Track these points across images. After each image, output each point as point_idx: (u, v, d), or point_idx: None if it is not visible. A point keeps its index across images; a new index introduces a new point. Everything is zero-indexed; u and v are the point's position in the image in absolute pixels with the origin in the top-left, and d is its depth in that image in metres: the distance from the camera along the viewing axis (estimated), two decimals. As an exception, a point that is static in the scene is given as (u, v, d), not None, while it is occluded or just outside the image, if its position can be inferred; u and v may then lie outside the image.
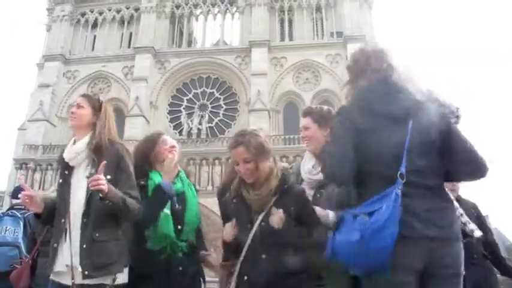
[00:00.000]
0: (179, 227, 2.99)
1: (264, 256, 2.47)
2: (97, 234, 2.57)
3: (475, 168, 2.17)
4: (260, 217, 2.56)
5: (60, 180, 2.77)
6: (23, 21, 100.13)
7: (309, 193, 2.92)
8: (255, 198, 2.61)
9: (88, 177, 2.59)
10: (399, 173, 2.04)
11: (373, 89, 2.26)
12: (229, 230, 2.62)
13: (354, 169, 2.14)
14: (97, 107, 2.86)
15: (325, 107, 3.24)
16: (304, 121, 3.15)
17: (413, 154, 2.09)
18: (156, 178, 3.04)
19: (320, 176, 2.86)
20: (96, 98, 2.93)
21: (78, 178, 2.74)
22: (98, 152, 2.72)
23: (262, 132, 2.78)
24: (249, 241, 2.51)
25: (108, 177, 2.57)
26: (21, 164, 30.23)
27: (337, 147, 2.19)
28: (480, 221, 4.42)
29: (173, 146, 3.20)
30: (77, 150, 2.77)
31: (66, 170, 2.78)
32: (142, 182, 2.97)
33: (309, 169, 3.07)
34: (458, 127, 2.22)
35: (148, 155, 3.15)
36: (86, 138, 2.78)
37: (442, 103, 2.22)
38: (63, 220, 2.65)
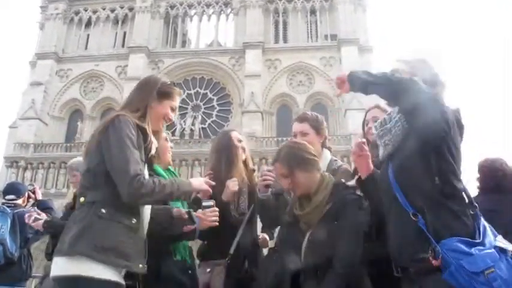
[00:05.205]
0: None
1: None
2: None
3: None
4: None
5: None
6: (16, 19, 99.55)
7: None
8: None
9: None
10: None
11: None
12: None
13: None
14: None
15: (319, 115, 3.20)
16: (301, 126, 3.06)
17: None
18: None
19: None
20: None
21: None
22: None
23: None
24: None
25: None
26: (11, 162, 29.94)
27: None
28: None
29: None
30: None
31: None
32: None
33: None
34: None
35: None
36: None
37: None
38: None
